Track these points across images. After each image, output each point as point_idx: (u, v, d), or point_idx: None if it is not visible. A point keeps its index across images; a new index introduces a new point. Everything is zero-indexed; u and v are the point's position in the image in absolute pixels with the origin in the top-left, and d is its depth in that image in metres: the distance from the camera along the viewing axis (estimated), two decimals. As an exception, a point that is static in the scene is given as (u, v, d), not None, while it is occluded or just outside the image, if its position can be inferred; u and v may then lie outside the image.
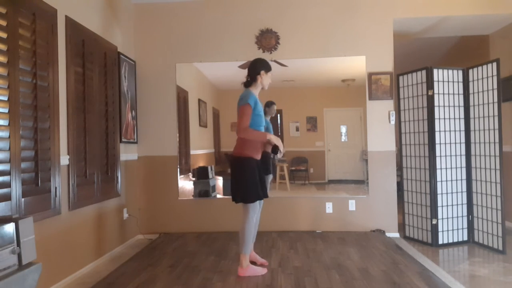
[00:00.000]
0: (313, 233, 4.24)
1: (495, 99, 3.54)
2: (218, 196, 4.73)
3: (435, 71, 3.84)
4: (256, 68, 3.00)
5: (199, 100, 5.10)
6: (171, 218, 4.46)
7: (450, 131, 3.87)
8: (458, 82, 3.90)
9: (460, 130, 3.90)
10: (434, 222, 3.82)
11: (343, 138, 5.18)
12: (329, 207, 4.36)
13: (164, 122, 4.46)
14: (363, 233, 4.19)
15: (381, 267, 3.06)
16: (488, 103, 3.63)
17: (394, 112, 4.31)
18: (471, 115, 3.85)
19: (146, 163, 4.47)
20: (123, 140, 3.99)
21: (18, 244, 1.78)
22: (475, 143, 3.82)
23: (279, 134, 5.06)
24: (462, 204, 3.89)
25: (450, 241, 3.85)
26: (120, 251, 3.86)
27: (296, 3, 4.41)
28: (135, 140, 4.37)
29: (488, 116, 3.63)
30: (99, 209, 3.52)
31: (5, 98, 2.29)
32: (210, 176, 4.74)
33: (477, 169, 3.80)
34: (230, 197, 4.04)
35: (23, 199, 2.41)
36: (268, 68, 3.04)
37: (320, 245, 3.76)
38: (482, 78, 3.69)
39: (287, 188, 4.92)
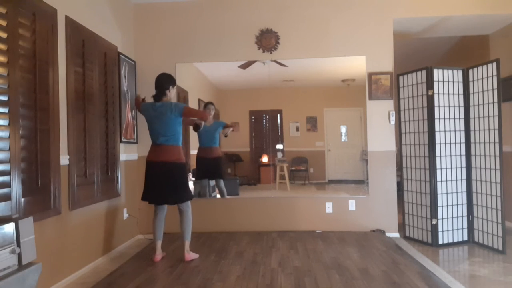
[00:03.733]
0: (313, 233, 4.24)
1: (495, 99, 3.54)
2: (218, 196, 4.72)
3: (435, 71, 3.84)
4: (168, 83, 3.41)
5: (199, 100, 5.10)
6: (171, 218, 4.45)
7: (450, 131, 3.87)
8: (458, 82, 3.90)
9: (460, 130, 3.90)
10: (434, 222, 3.82)
11: (343, 138, 5.18)
12: (329, 207, 4.36)
13: (164, 122, 4.45)
14: (363, 233, 4.19)
15: (381, 267, 3.06)
16: (488, 103, 3.63)
17: (394, 112, 4.30)
18: (471, 115, 3.85)
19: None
20: (123, 140, 3.99)
21: (18, 244, 1.78)
22: (475, 143, 3.82)
23: (279, 134, 5.06)
24: (462, 204, 3.89)
25: (450, 241, 3.85)
26: (120, 251, 3.86)
27: (296, 3, 4.41)
28: (135, 140, 4.37)
29: (488, 116, 3.63)
30: (99, 209, 3.52)
31: (5, 98, 2.29)
32: (210, 176, 4.74)
33: (477, 169, 3.80)
34: (230, 197, 4.23)
35: (23, 199, 2.41)
36: (174, 83, 3.49)
37: (320, 245, 3.76)
38: (482, 78, 3.69)
39: (287, 188, 4.92)
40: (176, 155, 3.32)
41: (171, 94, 3.44)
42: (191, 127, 3.78)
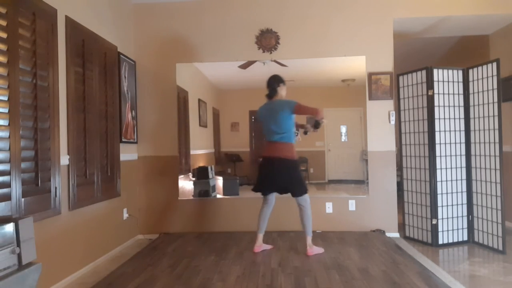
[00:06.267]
0: (313, 233, 4.23)
1: (495, 99, 3.54)
2: (218, 196, 4.72)
3: (435, 71, 3.84)
4: (276, 82, 3.57)
5: (199, 100, 5.10)
6: (171, 218, 4.46)
7: (450, 131, 3.87)
8: (458, 82, 3.90)
9: (460, 130, 3.90)
10: (434, 222, 3.82)
11: (343, 138, 5.19)
12: (329, 207, 4.36)
13: (164, 122, 4.46)
14: (363, 233, 4.18)
15: (381, 267, 3.06)
16: (488, 103, 3.63)
17: (394, 112, 4.30)
18: (471, 115, 3.85)
19: (146, 163, 4.47)
20: (123, 140, 3.98)
21: (18, 244, 1.78)
22: (475, 143, 3.82)
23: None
24: (462, 204, 3.89)
25: (450, 241, 3.85)
26: (120, 251, 3.86)
27: (296, 3, 4.40)
28: (135, 140, 4.37)
29: (488, 116, 3.63)
30: (99, 209, 3.52)
31: (5, 98, 2.29)
32: (210, 176, 4.75)
33: (477, 169, 3.80)
34: (230, 197, 4.13)
35: (23, 199, 2.41)
36: (283, 82, 3.61)
37: (320, 245, 3.76)
38: (482, 78, 3.69)
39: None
40: (290, 152, 3.44)
41: (282, 92, 3.57)
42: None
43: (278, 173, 3.44)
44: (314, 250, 3.46)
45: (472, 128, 3.85)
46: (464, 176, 3.90)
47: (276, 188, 3.52)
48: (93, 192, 3.36)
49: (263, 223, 3.60)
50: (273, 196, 3.61)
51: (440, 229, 3.82)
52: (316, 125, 3.47)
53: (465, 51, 5.62)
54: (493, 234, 3.58)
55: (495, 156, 3.56)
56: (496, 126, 3.53)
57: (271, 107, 3.51)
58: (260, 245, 3.57)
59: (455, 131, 3.88)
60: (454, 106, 3.89)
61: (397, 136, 4.32)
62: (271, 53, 4.42)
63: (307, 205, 3.49)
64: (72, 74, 3.07)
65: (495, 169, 3.55)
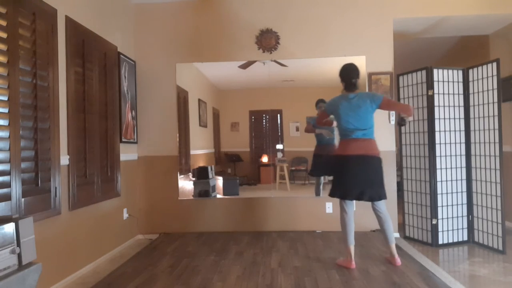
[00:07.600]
0: (313, 233, 4.24)
1: (495, 99, 3.54)
2: (218, 196, 4.72)
3: (435, 71, 3.84)
4: (356, 74, 3.18)
5: (199, 100, 5.10)
6: (171, 218, 4.46)
7: (450, 131, 3.87)
8: (458, 82, 3.90)
9: (460, 130, 3.90)
10: (434, 222, 3.82)
11: (343, 138, 5.17)
12: (329, 207, 4.36)
13: (164, 122, 4.46)
14: (363, 233, 4.18)
15: (381, 267, 3.06)
16: (488, 103, 3.63)
17: (394, 112, 4.30)
18: (471, 115, 3.85)
19: (146, 163, 4.47)
20: (123, 140, 3.99)
21: (18, 244, 1.78)
22: (475, 143, 3.82)
23: (279, 134, 5.06)
24: (462, 204, 3.89)
25: (450, 241, 3.85)
26: (120, 251, 3.86)
27: (296, 3, 4.40)
28: (135, 140, 4.37)
29: (488, 116, 3.63)
30: (99, 209, 3.52)
31: (5, 98, 2.29)
32: (210, 176, 4.75)
33: (477, 169, 3.80)
34: (230, 197, 4.06)
35: (23, 199, 2.41)
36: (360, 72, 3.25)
37: (320, 245, 3.76)
38: (482, 78, 3.69)
39: (287, 188, 4.92)
40: (376, 149, 3.12)
41: (358, 84, 3.21)
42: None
43: (364, 173, 3.05)
44: (398, 259, 3.13)
45: (472, 128, 3.85)
46: (464, 176, 3.90)
47: (359, 191, 3.07)
48: (93, 192, 3.36)
49: (351, 233, 3.14)
50: (353, 203, 3.21)
51: (440, 229, 3.81)
52: (401, 122, 3.11)
53: (465, 51, 5.62)
54: (493, 234, 3.58)
55: (495, 156, 3.56)
56: (496, 126, 3.53)
57: (352, 101, 3.10)
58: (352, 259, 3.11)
59: (455, 131, 3.88)
60: (454, 106, 3.89)
61: (397, 136, 4.32)
62: (271, 53, 4.42)
63: (386, 210, 3.18)
64: (72, 74, 3.07)
65: (495, 169, 3.55)
